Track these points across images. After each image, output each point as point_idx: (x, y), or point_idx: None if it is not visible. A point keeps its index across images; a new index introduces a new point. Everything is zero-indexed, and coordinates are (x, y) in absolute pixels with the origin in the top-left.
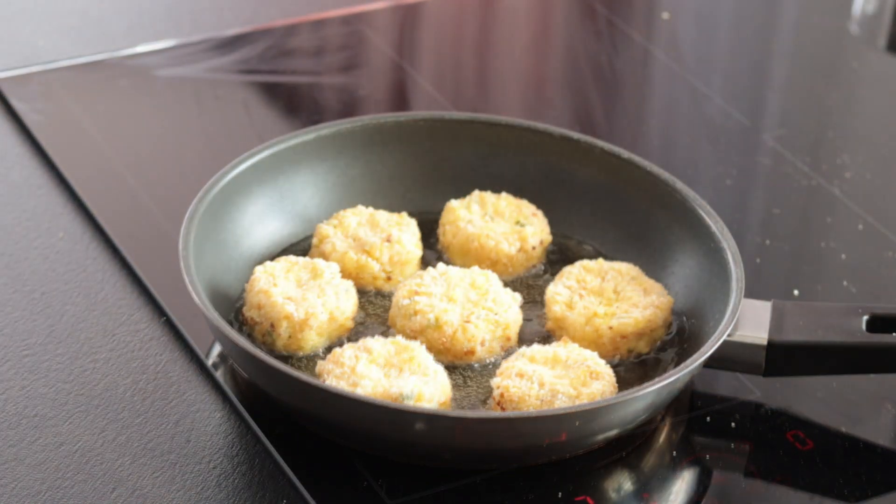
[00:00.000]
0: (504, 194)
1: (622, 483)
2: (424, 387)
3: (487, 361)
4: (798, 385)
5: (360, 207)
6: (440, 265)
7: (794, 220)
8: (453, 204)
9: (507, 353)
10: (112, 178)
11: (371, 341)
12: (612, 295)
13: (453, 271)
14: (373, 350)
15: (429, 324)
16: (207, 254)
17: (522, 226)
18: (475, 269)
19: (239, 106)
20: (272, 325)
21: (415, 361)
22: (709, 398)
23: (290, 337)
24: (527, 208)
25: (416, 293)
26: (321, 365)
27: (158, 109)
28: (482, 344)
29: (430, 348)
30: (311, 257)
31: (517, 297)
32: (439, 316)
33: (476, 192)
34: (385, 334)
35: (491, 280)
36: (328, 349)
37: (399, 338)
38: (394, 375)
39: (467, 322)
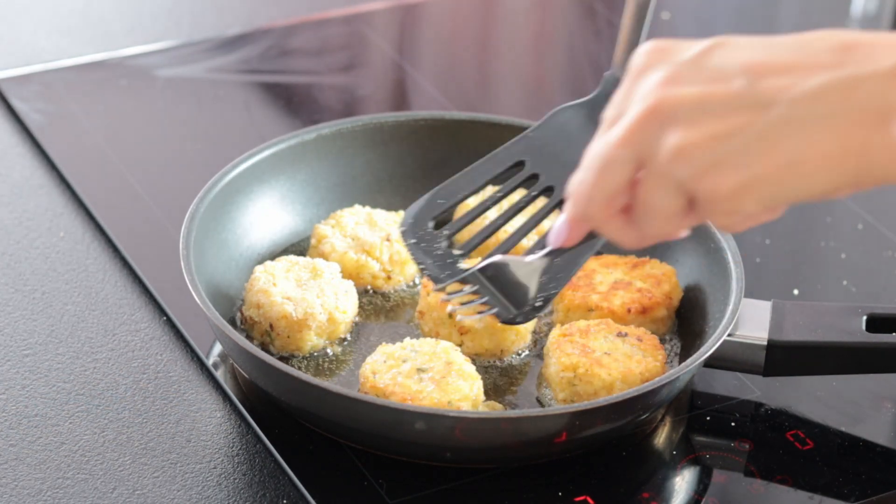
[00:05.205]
0: None
1: (622, 483)
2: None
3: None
4: (798, 385)
5: (357, 207)
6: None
7: (794, 219)
8: None
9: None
10: (112, 178)
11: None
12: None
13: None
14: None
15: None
16: (208, 253)
17: None
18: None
19: (239, 106)
20: (271, 325)
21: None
22: (709, 397)
23: (288, 337)
24: None
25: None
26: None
27: (158, 109)
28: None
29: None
30: (311, 258)
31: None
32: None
33: None
34: (385, 334)
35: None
36: (328, 349)
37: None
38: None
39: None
